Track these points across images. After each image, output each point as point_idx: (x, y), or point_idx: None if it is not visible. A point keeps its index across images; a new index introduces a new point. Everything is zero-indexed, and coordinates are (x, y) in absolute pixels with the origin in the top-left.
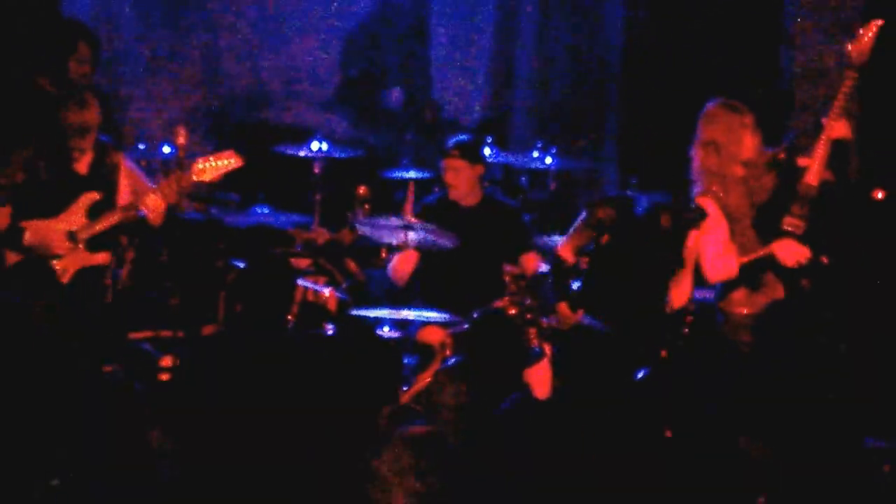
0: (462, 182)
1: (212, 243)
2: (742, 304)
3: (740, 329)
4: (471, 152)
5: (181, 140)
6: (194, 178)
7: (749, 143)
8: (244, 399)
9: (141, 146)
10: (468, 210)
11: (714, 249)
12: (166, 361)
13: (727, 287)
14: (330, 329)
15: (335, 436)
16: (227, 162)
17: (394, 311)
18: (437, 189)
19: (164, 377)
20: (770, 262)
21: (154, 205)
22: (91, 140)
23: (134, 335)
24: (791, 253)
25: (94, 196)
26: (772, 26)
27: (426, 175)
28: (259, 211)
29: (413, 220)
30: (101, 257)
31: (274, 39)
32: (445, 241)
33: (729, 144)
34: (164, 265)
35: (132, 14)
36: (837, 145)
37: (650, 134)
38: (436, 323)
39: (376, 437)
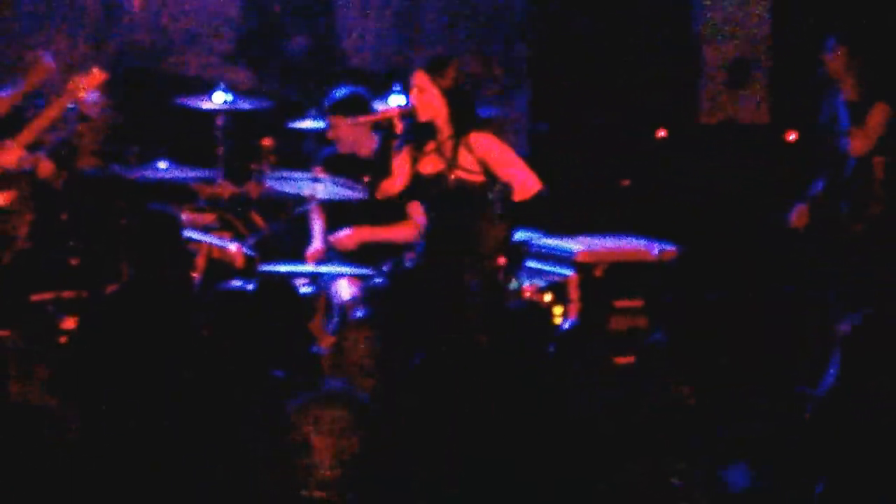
0: (342, 137)
1: (113, 200)
2: None
3: None
4: (346, 109)
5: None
6: (78, 94)
7: None
8: (151, 359)
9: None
10: (366, 161)
11: None
12: (69, 323)
13: None
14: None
15: (251, 396)
16: (93, 74)
17: (304, 266)
18: None
19: (66, 339)
20: None
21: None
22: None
23: (36, 297)
24: None
25: None
26: None
27: None
28: (161, 166)
29: (321, 173)
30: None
31: None
32: (355, 193)
33: None
34: (64, 224)
35: None
36: None
37: (561, 83)
38: (348, 276)
39: (294, 396)
